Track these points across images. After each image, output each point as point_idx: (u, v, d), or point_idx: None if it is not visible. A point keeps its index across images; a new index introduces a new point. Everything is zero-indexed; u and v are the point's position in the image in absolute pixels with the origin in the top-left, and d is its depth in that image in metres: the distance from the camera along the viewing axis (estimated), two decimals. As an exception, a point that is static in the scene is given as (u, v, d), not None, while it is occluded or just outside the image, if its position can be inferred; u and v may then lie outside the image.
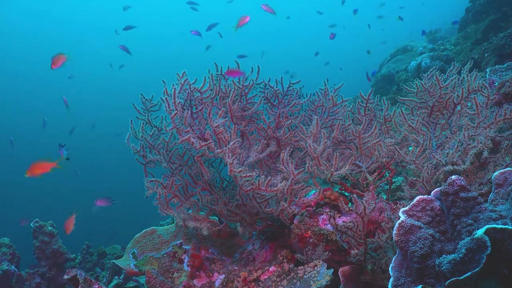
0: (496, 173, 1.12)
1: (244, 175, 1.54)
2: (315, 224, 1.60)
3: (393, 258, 1.08)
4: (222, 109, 1.71)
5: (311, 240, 1.55)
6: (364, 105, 1.95)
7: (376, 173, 1.71)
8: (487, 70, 2.22)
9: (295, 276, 1.55)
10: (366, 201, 1.42)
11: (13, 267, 2.89)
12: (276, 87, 1.96)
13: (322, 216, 1.62)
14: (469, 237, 0.88)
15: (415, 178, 1.56)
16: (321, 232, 1.52)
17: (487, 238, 0.84)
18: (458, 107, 1.73)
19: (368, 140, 1.73)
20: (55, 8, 22.67)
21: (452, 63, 2.00)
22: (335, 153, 1.61)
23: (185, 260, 1.87)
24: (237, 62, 1.90)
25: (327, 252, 1.51)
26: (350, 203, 1.68)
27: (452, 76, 1.85)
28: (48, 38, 22.49)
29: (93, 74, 21.59)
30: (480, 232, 0.85)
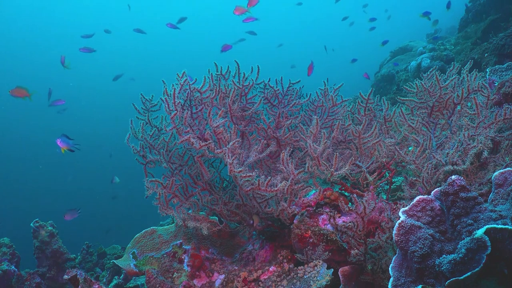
0: (496, 173, 1.12)
1: (244, 175, 1.54)
2: (315, 224, 1.60)
3: (393, 258, 1.08)
4: (222, 109, 1.71)
5: (311, 240, 1.55)
6: (364, 105, 1.95)
7: (376, 173, 1.71)
8: (487, 70, 2.22)
9: (295, 276, 1.55)
10: (366, 201, 1.42)
11: (13, 267, 2.89)
12: (276, 87, 1.96)
13: (322, 216, 1.62)
14: (469, 237, 0.88)
15: (415, 178, 1.56)
16: (321, 232, 1.52)
17: (487, 238, 0.84)
18: (458, 107, 1.73)
19: (368, 140, 1.73)
20: (56, 7, 22.67)
21: (452, 63, 2.00)
22: (335, 153, 1.61)
23: (185, 260, 1.87)
24: (237, 63, 1.90)
25: (327, 252, 1.51)
26: (350, 203, 1.68)
27: (452, 76, 1.85)
28: (49, 38, 22.49)
29: (94, 73, 21.60)
30: (480, 232, 0.85)
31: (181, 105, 1.72)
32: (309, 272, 1.50)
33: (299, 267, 1.57)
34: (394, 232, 1.04)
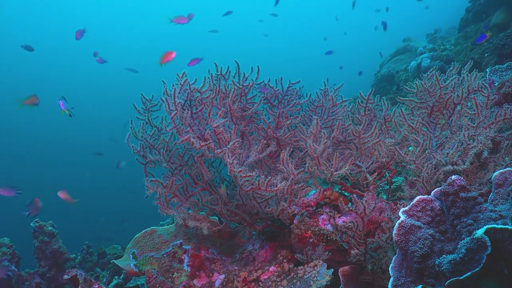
0: (496, 173, 1.12)
1: (244, 175, 1.54)
2: (315, 224, 1.60)
3: (393, 258, 1.08)
4: (222, 109, 1.71)
5: (311, 240, 1.55)
6: (364, 105, 1.95)
7: (376, 173, 1.71)
8: (487, 70, 2.22)
9: (295, 276, 1.55)
10: (366, 201, 1.42)
11: (13, 267, 2.89)
12: (276, 87, 1.96)
13: (322, 216, 1.62)
14: (469, 237, 0.88)
15: (415, 178, 1.56)
16: (321, 232, 1.52)
17: (487, 238, 0.84)
18: (458, 107, 1.73)
19: (368, 140, 1.73)
20: (57, 6, 22.66)
21: (452, 63, 2.00)
22: (335, 153, 1.61)
23: (185, 260, 1.87)
24: (237, 62, 1.90)
25: (327, 252, 1.51)
26: (350, 203, 1.68)
27: (452, 76, 1.85)
28: (49, 36, 22.47)
29: (94, 72, 21.60)
30: (480, 232, 0.85)
31: (181, 105, 1.72)
32: (309, 272, 1.50)
33: (299, 267, 1.57)
34: (394, 232, 1.04)
